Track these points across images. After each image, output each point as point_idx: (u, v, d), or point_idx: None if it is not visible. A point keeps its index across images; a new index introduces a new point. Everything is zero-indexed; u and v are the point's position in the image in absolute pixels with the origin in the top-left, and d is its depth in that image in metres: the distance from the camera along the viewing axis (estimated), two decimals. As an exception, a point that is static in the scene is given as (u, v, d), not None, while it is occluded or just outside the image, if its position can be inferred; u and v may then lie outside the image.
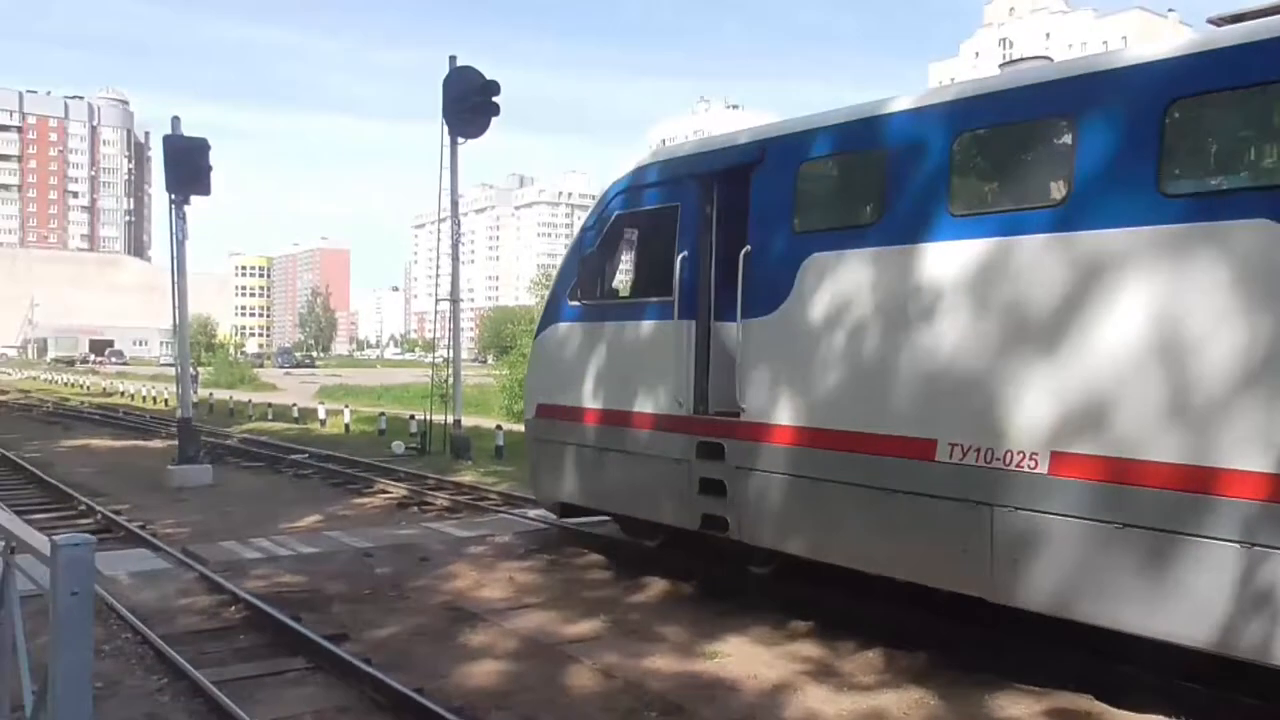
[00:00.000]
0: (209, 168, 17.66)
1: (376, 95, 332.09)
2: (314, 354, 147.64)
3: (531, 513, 13.13)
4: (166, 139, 17.72)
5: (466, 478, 17.28)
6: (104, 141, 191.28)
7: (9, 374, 74.94)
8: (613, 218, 9.93)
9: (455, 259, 21.75)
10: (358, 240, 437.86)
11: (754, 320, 8.21)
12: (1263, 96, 5.68)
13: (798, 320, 7.87)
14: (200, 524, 13.06)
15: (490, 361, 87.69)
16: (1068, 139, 6.44)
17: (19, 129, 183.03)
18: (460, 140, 20.37)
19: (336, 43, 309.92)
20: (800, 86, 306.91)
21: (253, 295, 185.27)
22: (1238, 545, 5.37)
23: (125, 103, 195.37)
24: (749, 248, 8.25)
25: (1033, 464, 6.29)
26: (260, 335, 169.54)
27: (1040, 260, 6.33)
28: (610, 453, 9.76)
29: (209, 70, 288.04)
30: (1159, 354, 5.75)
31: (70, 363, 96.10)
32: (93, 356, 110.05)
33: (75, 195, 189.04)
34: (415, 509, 14.37)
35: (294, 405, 33.98)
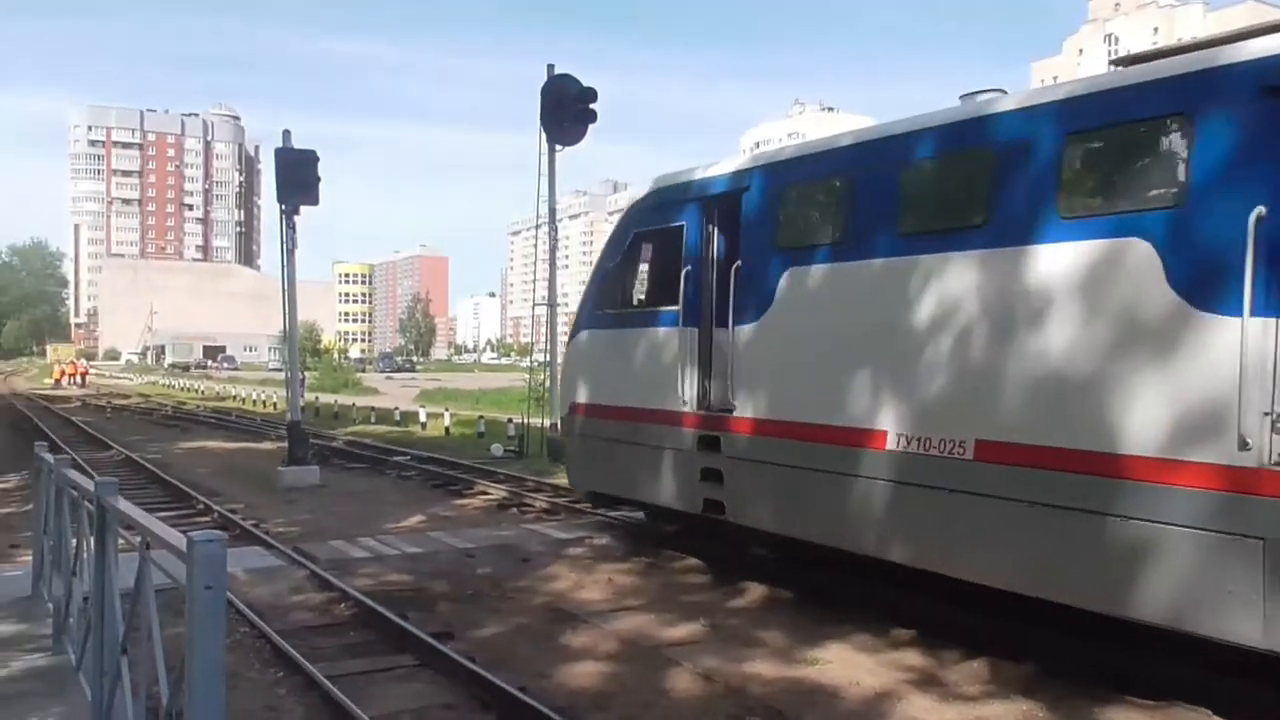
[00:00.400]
0: (317, 178, 18.25)
1: (476, 105, 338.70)
2: (414, 358, 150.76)
3: (630, 516, 13.18)
4: (277, 151, 18.35)
5: (564, 480, 17.43)
6: (217, 156, 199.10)
7: (131, 379, 78.49)
8: (631, 235, 11.18)
9: (552, 264, 21.98)
10: (456, 247, 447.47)
11: (743, 326, 9.29)
12: (1136, 132, 6.54)
13: (779, 325, 8.96)
14: (310, 523, 13.47)
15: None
16: (988, 169, 7.34)
17: (139, 146, 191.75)
18: (558, 148, 20.60)
19: (438, 55, 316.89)
20: (898, 88, 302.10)
21: (355, 302, 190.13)
22: (1120, 519, 6.22)
23: (236, 118, 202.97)
24: (739, 262, 9.39)
25: (961, 450, 7.23)
26: (362, 340, 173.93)
27: (969, 273, 7.32)
28: (631, 446, 10.80)
29: (315, 84, 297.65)
30: (1037, 354, 6.77)
31: (186, 368, 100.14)
32: (207, 362, 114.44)
33: (190, 208, 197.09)
34: (514, 510, 14.57)
35: (396, 408, 34.84)
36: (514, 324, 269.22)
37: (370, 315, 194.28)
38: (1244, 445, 5.65)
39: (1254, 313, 5.65)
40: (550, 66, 20.29)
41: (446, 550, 11.24)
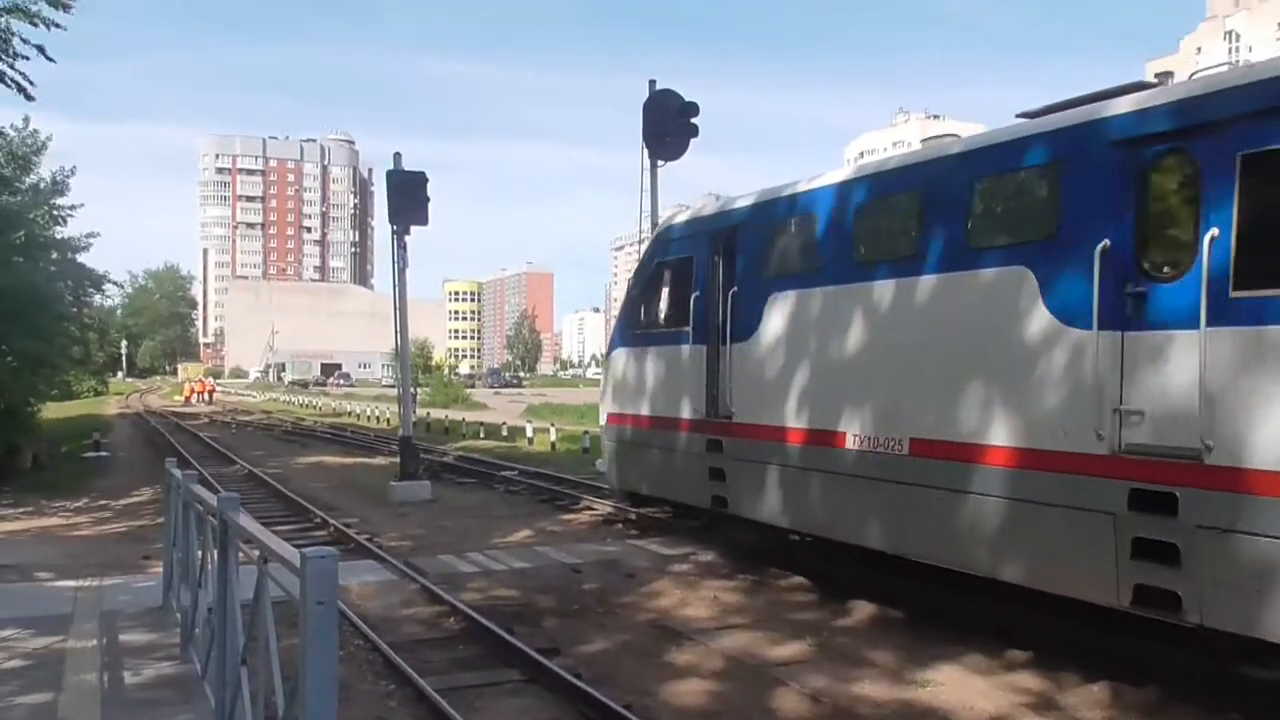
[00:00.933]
0: (427, 199, 18.72)
1: (580, 123, 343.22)
2: (521, 374, 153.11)
3: (731, 533, 13.09)
4: (389, 174, 18.89)
5: (669, 496, 17.42)
6: (333, 180, 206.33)
7: (254, 396, 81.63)
8: (654, 264, 12.74)
9: (656, 281, 22.07)
10: (561, 264, 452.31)
11: (738, 344, 10.86)
12: (1023, 178, 7.97)
13: (764, 343, 10.49)
14: (420, 537, 13.76)
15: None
16: (918, 209, 8.74)
17: (262, 172, 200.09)
18: (660, 163, 20.67)
19: (543, 74, 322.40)
20: (1007, 91, 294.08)
21: (464, 319, 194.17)
22: (1034, 506, 7.47)
23: (351, 142, 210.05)
24: (735, 288, 10.98)
25: (899, 447, 8.68)
26: (471, 356, 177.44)
27: (905, 297, 8.69)
28: (656, 450, 12.54)
29: (426, 107, 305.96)
30: (971, 368, 8.09)
31: (304, 385, 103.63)
32: (324, 379, 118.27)
33: (309, 230, 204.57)
34: (619, 526, 14.60)
35: (503, 424, 35.40)
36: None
37: (479, 332, 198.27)
38: (1099, 437, 6.99)
39: (1101, 327, 6.97)
40: (652, 82, 20.38)
41: (553, 565, 11.34)
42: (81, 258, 25.97)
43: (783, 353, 10.26)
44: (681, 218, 12.72)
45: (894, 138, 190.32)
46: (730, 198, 12.15)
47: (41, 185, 24.56)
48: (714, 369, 11.33)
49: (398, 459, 19.67)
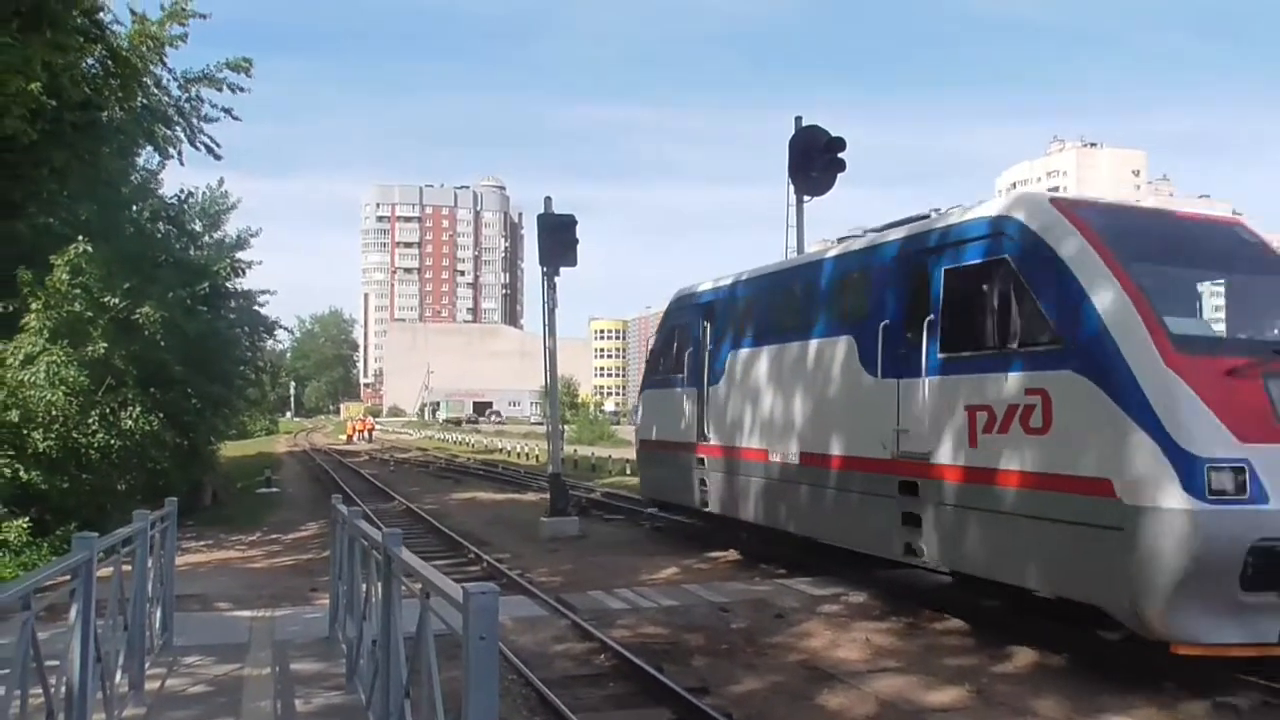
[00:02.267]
0: (576, 241, 19.15)
1: (727, 162, 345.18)
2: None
3: (883, 574, 12.77)
4: (540, 217, 19.42)
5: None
6: (485, 224, 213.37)
7: (410, 434, 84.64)
8: (666, 327, 17.46)
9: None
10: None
11: (712, 387, 15.09)
12: (849, 278, 11.94)
13: (726, 387, 14.60)
14: (570, 573, 13.94)
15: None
16: (799, 294, 13.00)
17: (419, 219, 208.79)
18: (806, 198, 20.59)
19: (687, 114, 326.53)
20: (1166, 116, 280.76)
21: (609, 356, 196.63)
22: (864, 495, 11.08)
23: (502, 188, 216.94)
24: (711, 346, 15.28)
25: (797, 459, 12.57)
26: (616, 394, 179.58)
27: (792, 356, 12.83)
28: (669, 467, 16.59)
29: (572, 151, 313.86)
30: (812, 405, 12.25)
31: (457, 423, 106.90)
32: (477, 417, 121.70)
33: (462, 274, 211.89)
34: (766, 565, 14.40)
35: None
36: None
37: (624, 369, 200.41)
38: (884, 447, 10.59)
39: (884, 376, 10.72)
40: (798, 119, 20.38)
41: (700, 604, 11.29)
42: (257, 306, 27.66)
43: (736, 394, 14.38)
44: (687, 290, 16.87)
45: (1048, 167, 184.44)
46: (719, 277, 15.94)
47: (226, 241, 26.34)
48: (702, 405, 15.46)
49: (547, 495, 20.05)
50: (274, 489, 30.01)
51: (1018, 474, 8.82)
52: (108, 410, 16.88)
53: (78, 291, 16.23)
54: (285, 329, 33.78)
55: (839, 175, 20.12)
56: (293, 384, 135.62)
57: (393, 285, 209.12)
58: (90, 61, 17.33)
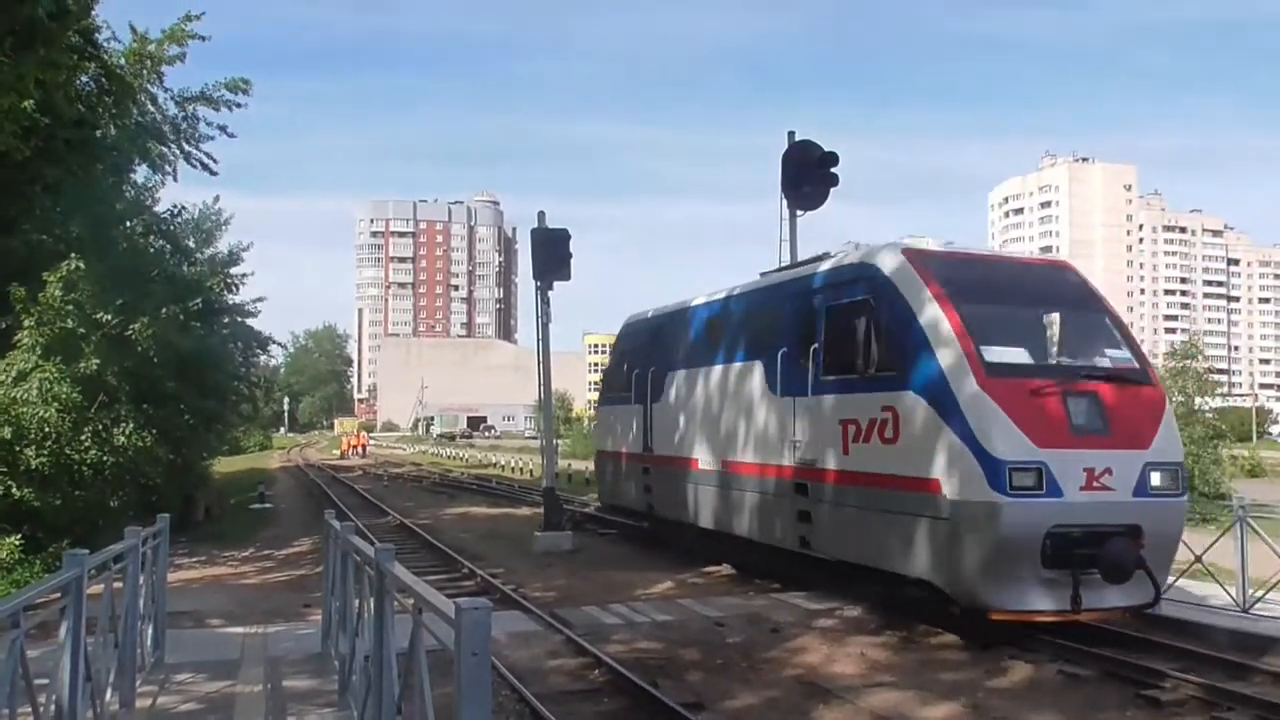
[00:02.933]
0: (569, 255, 19.16)
1: (718, 178, 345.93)
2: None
3: (882, 587, 12.76)
4: (534, 231, 19.44)
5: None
6: (479, 239, 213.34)
7: (404, 449, 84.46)
8: (619, 348, 19.65)
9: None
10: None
11: (655, 404, 17.01)
12: (762, 313, 13.85)
13: (663, 404, 16.66)
14: (564, 588, 13.90)
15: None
16: (722, 326, 15.02)
17: (413, 235, 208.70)
18: (799, 213, 20.63)
19: (680, 132, 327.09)
20: (1157, 132, 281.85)
21: (603, 370, 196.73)
22: (770, 496, 13.10)
23: (496, 203, 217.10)
24: (653, 367, 17.14)
25: (720, 469, 14.47)
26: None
27: (717, 378, 14.76)
28: (621, 475, 18.63)
29: (565, 167, 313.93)
30: (727, 419, 14.34)
31: (451, 437, 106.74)
32: (470, 431, 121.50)
33: (456, 288, 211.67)
34: (761, 580, 14.38)
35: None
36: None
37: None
38: (784, 454, 12.60)
39: (783, 395, 12.66)
40: (791, 133, 20.42)
41: (695, 618, 11.25)
42: (249, 321, 27.61)
43: (673, 410, 16.30)
44: (636, 317, 19.07)
45: (1040, 182, 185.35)
46: (660, 306, 18.22)
47: (218, 257, 26.32)
48: (647, 420, 17.37)
49: (541, 510, 19.99)
50: (267, 505, 29.90)
51: (877, 476, 10.83)
52: (100, 426, 16.80)
53: (70, 308, 16.16)
54: (279, 344, 33.65)
55: (832, 190, 20.18)
56: (286, 399, 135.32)
57: (387, 300, 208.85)
58: (84, 79, 17.35)
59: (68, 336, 16.18)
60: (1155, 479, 9.87)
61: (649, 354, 17.54)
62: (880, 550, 10.84)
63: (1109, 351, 10.92)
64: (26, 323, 15.88)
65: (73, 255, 16.14)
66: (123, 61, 19.51)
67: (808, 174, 19.55)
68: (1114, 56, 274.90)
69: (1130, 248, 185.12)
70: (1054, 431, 9.67)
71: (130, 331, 17.07)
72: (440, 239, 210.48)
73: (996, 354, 10.18)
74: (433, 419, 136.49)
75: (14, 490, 14.81)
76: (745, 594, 13.02)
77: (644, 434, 17.36)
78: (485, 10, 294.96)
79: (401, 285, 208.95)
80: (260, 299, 27.42)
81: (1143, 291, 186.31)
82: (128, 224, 20.02)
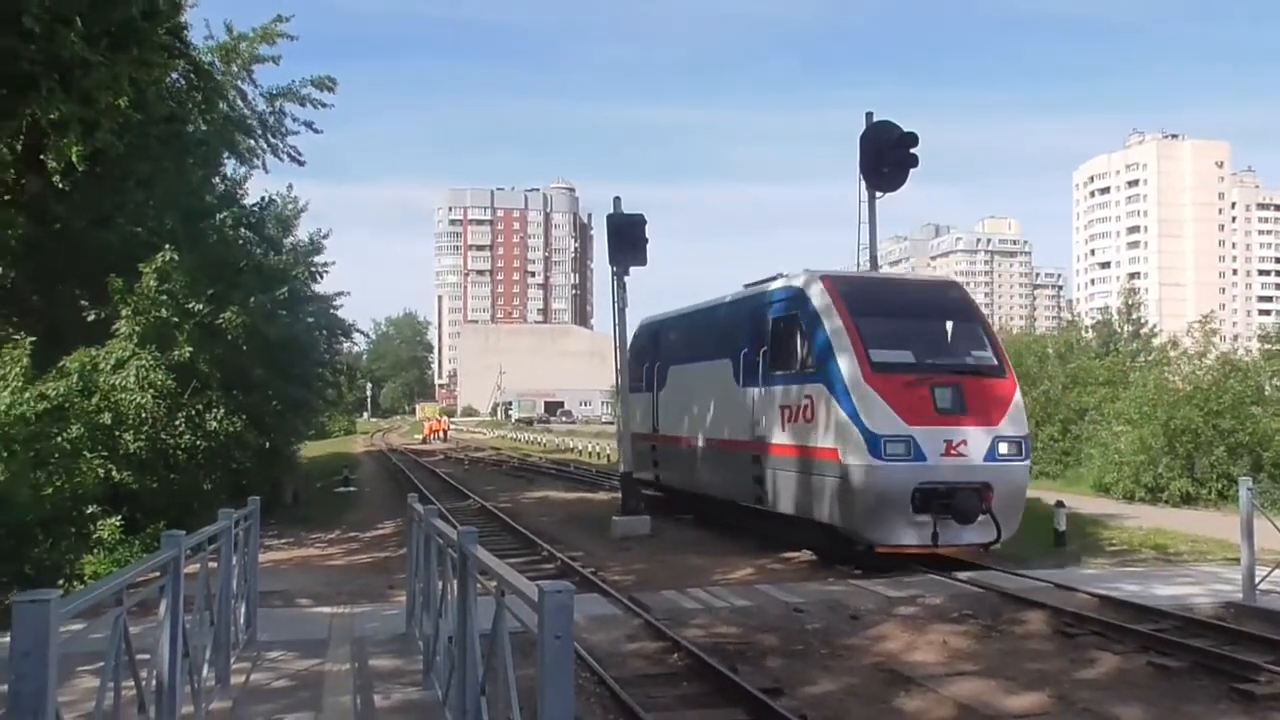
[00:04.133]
0: (645, 240, 19.14)
1: (795, 160, 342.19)
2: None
3: (963, 575, 12.55)
4: (609, 217, 19.46)
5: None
6: (555, 226, 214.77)
7: (484, 433, 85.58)
8: (635, 346, 21.60)
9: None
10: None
11: (660, 392, 20.44)
12: (734, 320, 17.37)
13: (667, 392, 20.12)
14: (642, 572, 13.95)
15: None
16: (705, 330, 18.82)
17: (490, 222, 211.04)
18: (878, 195, 20.32)
19: (755, 114, 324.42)
20: (1253, 106, 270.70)
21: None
22: (725, 462, 16.98)
23: (572, 190, 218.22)
24: (659, 362, 20.55)
25: (703, 445, 18.00)
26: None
27: (703, 372, 18.19)
28: (640, 450, 20.64)
29: (639, 152, 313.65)
30: (709, 405, 17.92)
31: (529, 423, 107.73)
32: (548, 417, 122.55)
33: (532, 275, 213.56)
34: (841, 566, 14.24)
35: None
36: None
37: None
38: (748, 433, 15.79)
39: (746, 386, 15.94)
40: (869, 114, 20.09)
41: (774, 604, 11.20)
42: (333, 309, 28.22)
43: (673, 397, 19.99)
44: (645, 321, 22.75)
45: (1128, 160, 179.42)
46: (667, 312, 22.13)
47: (299, 246, 26.92)
48: (656, 406, 20.79)
49: (618, 494, 20.09)
50: (352, 488, 30.56)
51: (803, 447, 14.33)
52: (193, 412, 17.34)
53: (164, 298, 16.70)
54: (361, 332, 34.40)
55: (911, 171, 19.80)
56: (369, 385, 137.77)
57: (465, 287, 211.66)
58: (174, 75, 17.86)
59: (162, 325, 16.72)
60: (1002, 448, 13.40)
61: (656, 351, 21.14)
62: (807, 503, 14.25)
63: (974, 352, 14.44)
64: (124, 312, 16.45)
65: (166, 247, 16.65)
66: (214, 59, 20.06)
67: (886, 155, 19.22)
68: (1202, 29, 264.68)
69: (1222, 227, 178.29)
70: (921, 413, 13.18)
71: (220, 320, 17.57)
72: (517, 226, 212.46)
73: (882, 356, 13.65)
74: (511, 404, 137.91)
75: (114, 473, 15.36)
76: (824, 580, 12.92)
77: (653, 417, 20.87)
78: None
79: (480, 272, 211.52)
80: (343, 293, 28.05)
81: (1235, 272, 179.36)
82: (217, 217, 20.60)
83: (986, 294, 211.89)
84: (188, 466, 17.26)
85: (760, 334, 15.67)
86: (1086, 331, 38.77)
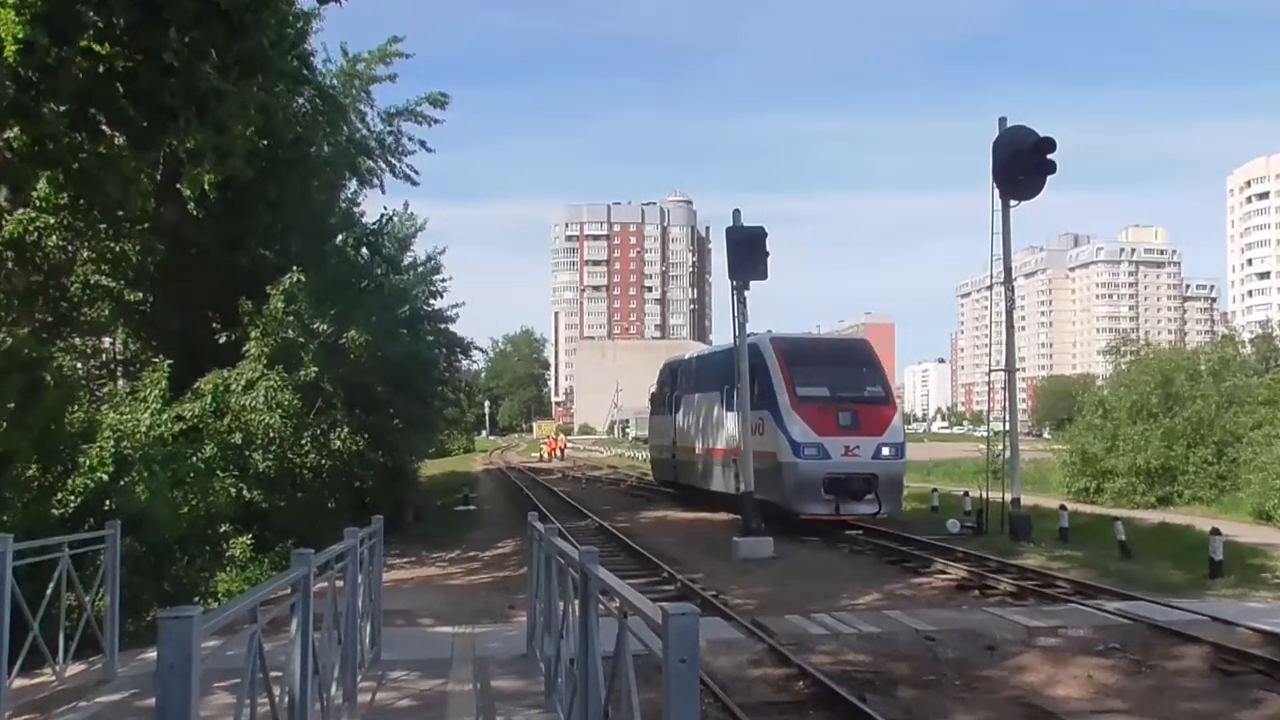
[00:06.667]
0: (766, 253, 19.10)
1: (920, 170, 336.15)
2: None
3: (1110, 605, 12.07)
4: (729, 230, 19.49)
5: (1030, 561, 16.42)
6: (672, 239, 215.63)
7: (601, 452, 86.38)
8: (660, 378, 32.97)
9: (1009, 326, 21.06)
10: (902, 313, 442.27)
11: (676, 414, 30.15)
12: (724, 365, 24.30)
13: (682, 415, 29.60)
14: (765, 595, 13.86)
15: (1046, 435, 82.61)
16: (704, 370, 28.59)
17: (606, 237, 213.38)
18: (1012, 203, 19.81)
19: (880, 123, 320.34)
20: None
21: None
22: (717, 465, 25.93)
23: (689, 202, 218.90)
24: (677, 392, 30.31)
25: (704, 452, 27.23)
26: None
27: (707, 401, 27.08)
28: (662, 461, 32.77)
29: (758, 164, 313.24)
30: (708, 423, 27.16)
31: (646, 441, 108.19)
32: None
33: (649, 290, 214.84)
34: (976, 592, 13.96)
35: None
36: (965, 391, 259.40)
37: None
38: (728, 443, 24.07)
39: (728, 410, 24.18)
40: (1002, 119, 19.65)
41: (904, 631, 10.99)
42: (450, 327, 29.00)
43: (685, 419, 28.71)
44: (669, 359, 33.64)
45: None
46: (683, 354, 34.58)
47: (418, 265, 27.77)
48: (675, 426, 29.70)
49: (738, 515, 20.00)
50: (472, 506, 31.22)
51: (758, 452, 20.45)
52: (318, 431, 18.02)
53: (291, 319, 17.41)
54: (479, 349, 35.26)
55: (1048, 178, 19.23)
56: (487, 403, 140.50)
57: (582, 303, 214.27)
58: (300, 100, 18.71)
59: (288, 346, 17.44)
60: (884, 451, 21.24)
61: (675, 384, 30.74)
62: (763, 489, 20.22)
63: (868, 388, 22.56)
64: (253, 334, 17.23)
65: (294, 269, 17.39)
66: (335, 82, 20.94)
67: (1021, 162, 18.75)
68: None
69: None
70: (828, 428, 21.04)
71: (344, 340, 18.26)
72: (634, 240, 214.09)
73: (806, 390, 21.56)
74: (628, 421, 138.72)
75: (245, 492, 16.07)
76: (958, 607, 12.61)
77: (673, 433, 30.28)
78: (666, 11, 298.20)
79: (596, 288, 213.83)
80: (459, 304, 28.70)
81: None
82: (339, 237, 21.44)
83: (1131, 307, 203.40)
84: (313, 485, 17.94)
85: (736, 376, 20.95)
86: (1244, 347, 36.79)
